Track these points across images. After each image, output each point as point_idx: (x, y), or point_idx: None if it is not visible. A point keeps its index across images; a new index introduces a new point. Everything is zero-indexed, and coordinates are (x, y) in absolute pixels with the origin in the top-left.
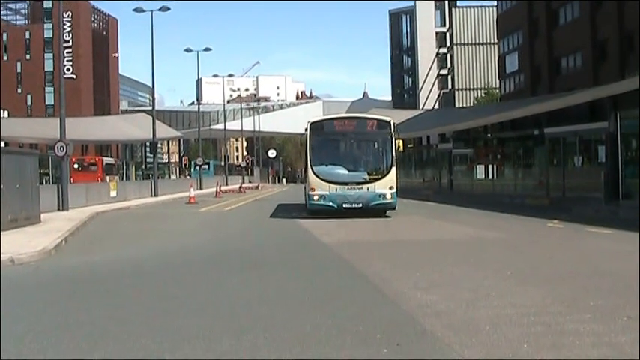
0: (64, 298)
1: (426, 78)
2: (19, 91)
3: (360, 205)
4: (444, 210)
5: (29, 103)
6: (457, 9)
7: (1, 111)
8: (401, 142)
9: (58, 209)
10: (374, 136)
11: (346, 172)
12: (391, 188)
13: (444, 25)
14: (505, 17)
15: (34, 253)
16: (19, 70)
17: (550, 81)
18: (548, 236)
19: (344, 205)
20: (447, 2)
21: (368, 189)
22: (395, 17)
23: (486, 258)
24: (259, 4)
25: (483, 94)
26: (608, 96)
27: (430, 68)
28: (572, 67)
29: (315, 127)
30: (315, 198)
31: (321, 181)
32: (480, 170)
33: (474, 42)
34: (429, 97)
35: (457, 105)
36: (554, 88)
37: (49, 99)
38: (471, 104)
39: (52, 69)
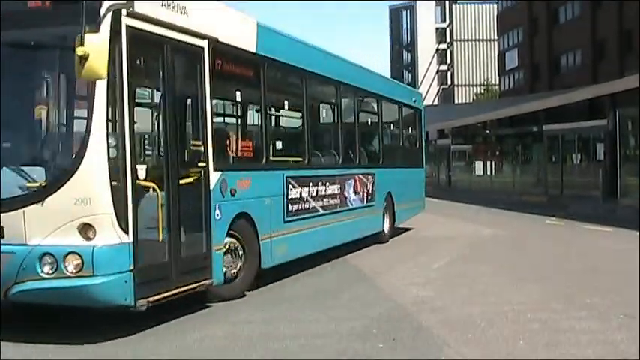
0: None
1: (425, 74)
2: None
3: None
4: (441, 206)
5: None
6: (458, 5)
7: None
8: None
9: None
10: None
11: None
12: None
13: (445, 21)
14: (505, 14)
15: None
16: None
17: (549, 78)
18: (545, 233)
19: None
20: None
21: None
22: (395, 13)
23: (483, 254)
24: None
25: (483, 91)
26: (608, 94)
27: (430, 64)
28: (572, 65)
29: None
30: None
31: None
32: (479, 166)
33: (474, 38)
34: (428, 92)
35: (456, 101)
36: (553, 86)
37: None
38: (471, 100)
39: None
